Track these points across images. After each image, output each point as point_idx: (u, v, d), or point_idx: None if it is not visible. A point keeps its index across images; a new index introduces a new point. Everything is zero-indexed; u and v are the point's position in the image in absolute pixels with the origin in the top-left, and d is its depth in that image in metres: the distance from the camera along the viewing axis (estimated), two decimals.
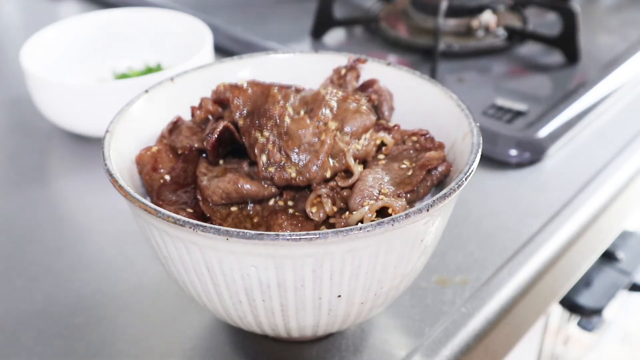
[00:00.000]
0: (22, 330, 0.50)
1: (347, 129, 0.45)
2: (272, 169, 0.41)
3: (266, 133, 0.42)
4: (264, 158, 0.42)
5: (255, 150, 0.42)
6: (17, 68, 0.82)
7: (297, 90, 0.48)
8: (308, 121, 0.43)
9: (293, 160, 0.42)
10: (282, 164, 0.42)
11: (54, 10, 1.06)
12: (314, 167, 0.41)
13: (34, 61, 0.71)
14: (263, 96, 0.44)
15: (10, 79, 0.87)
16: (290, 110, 0.44)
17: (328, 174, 0.42)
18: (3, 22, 1.07)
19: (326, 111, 0.45)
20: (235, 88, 0.47)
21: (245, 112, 0.44)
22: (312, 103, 0.45)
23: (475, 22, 0.87)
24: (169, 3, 0.97)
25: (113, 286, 0.54)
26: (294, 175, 0.41)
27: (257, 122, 0.43)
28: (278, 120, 0.42)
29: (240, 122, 0.43)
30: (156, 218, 0.37)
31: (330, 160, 0.42)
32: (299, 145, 0.42)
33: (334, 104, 0.46)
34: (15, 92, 0.82)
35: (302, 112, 0.44)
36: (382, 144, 0.46)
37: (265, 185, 0.42)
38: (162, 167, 0.46)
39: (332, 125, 0.43)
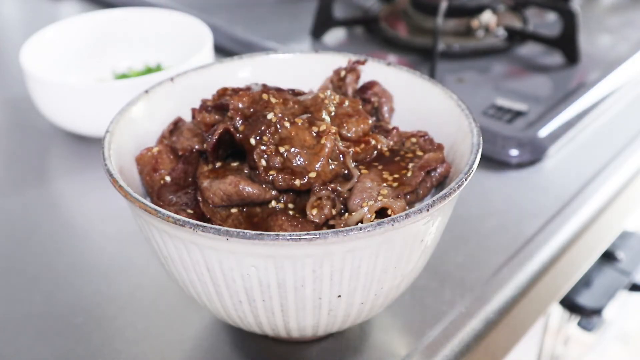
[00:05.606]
0: (22, 330, 0.50)
1: (346, 132, 0.45)
2: (273, 173, 0.41)
3: (265, 138, 0.42)
4: (264, 162, 0.42)
5: (255, 155, 0.42)
6: (17, 68, 0.82)
7: (297, 94, 0.48)
8: (307, 125, 0.43)
9: (293, 164, 0.42)
10: (282, 168, 0.42)
11: (54, 10, 1.06)
12: (314, 171, 0.41)
13: (34, 61, 0.71)
14: (263, 101, 0.44)
15: (10, 79, 0.87)
16: (289, 114, 0.44)
17: (328, 177, 0.42)
18: (3, 22, 1.07)
19: (325, 115, 0.45)
20: (235, 93, 0.47)
21: (245, 117, 0.44)
22: (311, 107, 0.45)
23: (475, 22, 0.87)
24: (169, 3, 0.97)
25: (113, 286, 0.54)
26: (294, 179, 0.41)
27: (257, 126, 0.43)
28: (278, 125, 0.42)
29: (241, 127, 0.43)
30: (156, 218, 0.37)
31: (330, 163, 0.42)
32: (299, 149, 0.42)
33: (332, 107, 0.46)
34: (15, 92, 0.82)
35: (301, 116, 0.44)
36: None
37: (266, 189, 0.42)
38: (162, 168, 0.46)
39: (332, 128, 0.43)
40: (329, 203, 0.41)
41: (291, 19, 0.97)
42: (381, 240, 0.37)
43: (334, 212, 0.41)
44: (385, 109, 0.50)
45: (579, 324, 0.85)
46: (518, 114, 0.73)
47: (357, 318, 0.42)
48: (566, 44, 0.83)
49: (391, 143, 0.46)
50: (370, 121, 0.46)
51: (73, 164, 0.70)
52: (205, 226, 0.35)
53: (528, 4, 0.91)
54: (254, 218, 0.43)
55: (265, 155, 0.42)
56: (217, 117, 0.47)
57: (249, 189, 0.42)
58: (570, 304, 0.76)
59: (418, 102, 0.50)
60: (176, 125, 0.49)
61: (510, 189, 0.64)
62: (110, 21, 0.81)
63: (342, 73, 0.52)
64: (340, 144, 0.43)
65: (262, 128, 0.43)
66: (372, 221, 0.37)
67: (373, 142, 0.45)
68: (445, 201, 0.38)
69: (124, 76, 0.79)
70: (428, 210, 0.37)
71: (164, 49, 0.80)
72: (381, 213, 0.40)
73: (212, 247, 0.36)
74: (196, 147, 0.46)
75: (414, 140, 0.47)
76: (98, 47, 0.80)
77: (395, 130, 0.47)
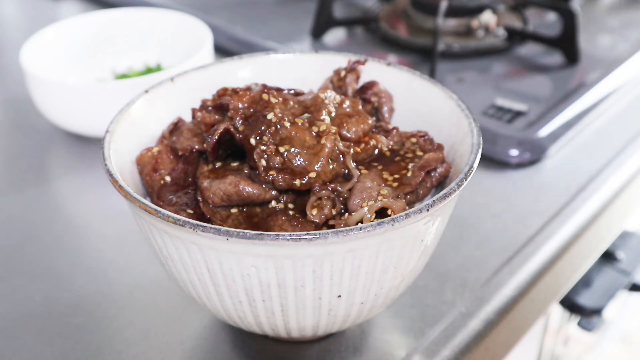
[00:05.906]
0: (22, 330, 0.50)
1: (346, 132, 0.45)
2: (273, 173, 0.41)
3: (266, 138, 0.42)
4: (264, 162, 0.42)
5: (255, 155, 0.42)
6: (17, 68, 0.82)
7: (297, 94, 0.48)
8: (308, 125, 0.43)
9: (293, 164, 0.42)
10: (282, 168, 0.42)
11: (54, 10, 1.06)
12: (314, 171, 0.41)
13: (34, 61, 0.71)
14: (263, 101, 0.44)
15: (10, 79, 0.87)
16: (289, 114, 0.44)
17: (328, 177, 0.42)
18: (3, 22, 1.07)
19: (325, 115, 0.45)
20: (235, 93, 0.47)
21: (245, 117, 0.44)
22: (311, 107, 0.45)
23: (475, 22, 0.87)
24: (169, 3, 0.97)
25: (113, 286, 0.54)
26: (294, 179, 0.41)
27: (257, 126, 0.43)
28: (278, 125, 0.42)
29: (241, 127, 0.43)
30: (156, 218, 0.37)
31: (330, 163, 0.42)
32: (299, 149, 0.42)
33: (332, 107, 0.46)
34: (15, 92, 0.82)
35: (301, 116, 0.44)
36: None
37: (267, 189, 0.42)
38: (162, 168, 0.46)
39: (332, 129, 0.43)
40: (329, 203, 0.41)
41: (291, 19, 0.97)
42: (381, 240, 0.37)
43: (334, 212, 0.41)
44: (385, 109, 0.50)
45: (579, 324, 0.85)
46: (518, 114, 0.73)
47: (357, 318, 0.42)
48: (566, 44, 0.83)
49: (391, 143, 0.46)
50: (370, 121, 0.46)
51: (73, 164, 0.70)
52: (205, 226, 0.35)
53: (528, 4, 0.91)
54: (254, 218, 0.43)
55: (266, 155, 0.42)
56: (217, 117, 0.47)
57: (249, 189, 0.42)
58: (570, 304, 0.76)
59: (418, 102, 0.50)
60: (176, 126, 0.49)
61: (510, 189, 0.64)
62: (110, 21, 0.81)
63: (342, 73, 0.52)
64: (340, 144, 0.43)
65: (262, 128, 0.43)
66: (372, 221, 0.37)
67: (373, 142, 0.45)
68: (445, 201, 0.38)
69: (124, 76, 0.79)
70: (428, 210, 0.37)
71: (164, 49, 0.80)
72: (381, 213, 0.40)
73: (212, 247, 0.36)
74: (196, 147, 0.46)
75: (414, 140, 0.47)
76: (98, 47, 0.80)
77: (395, 130, 0.47)
